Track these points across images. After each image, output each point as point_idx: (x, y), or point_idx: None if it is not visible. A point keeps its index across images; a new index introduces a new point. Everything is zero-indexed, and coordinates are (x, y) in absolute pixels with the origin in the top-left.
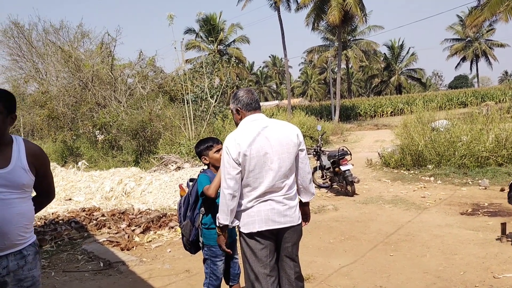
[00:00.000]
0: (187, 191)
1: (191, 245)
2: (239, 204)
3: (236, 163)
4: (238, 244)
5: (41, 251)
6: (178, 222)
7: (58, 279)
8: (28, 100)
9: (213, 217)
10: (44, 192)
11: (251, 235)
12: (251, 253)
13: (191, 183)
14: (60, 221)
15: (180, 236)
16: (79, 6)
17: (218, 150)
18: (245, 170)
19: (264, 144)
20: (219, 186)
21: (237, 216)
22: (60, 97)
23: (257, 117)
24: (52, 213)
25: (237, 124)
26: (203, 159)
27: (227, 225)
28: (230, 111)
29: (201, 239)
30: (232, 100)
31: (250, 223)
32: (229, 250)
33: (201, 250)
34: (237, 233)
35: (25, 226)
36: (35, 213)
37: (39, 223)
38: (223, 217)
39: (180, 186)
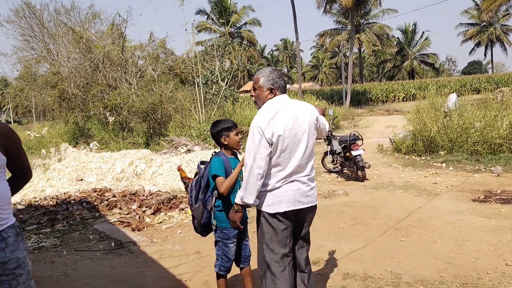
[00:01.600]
0: (199, 173)
1: (203, 228)
2: (265, 184)
3: (269, 143)
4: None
5: (54, 230)
6: (189, 204)
7: (70, 258)
8: (40, 81)
9: (226, 199)
10: (19, 171)
11: (275, 216)
12: (273, 233)
13: (202, 166)
14: (72, 201)
15: (191, 218)
16: None
17: (237, 133)
18: (277, 150)
19: (294, 124)
20: (234, 185)
21: (260, 196)
22: (71, 78)
23: (284, 97)
24: (64, 193)
25: (259, 101)
26: (223, 139)
27: (247, 204)
28: (253, 85)
29: (214, 221)
30: (269, 77)
31: (276, 203)
32: (242, 227)
33: (212, 232)
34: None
35: (0, 207)
36: (12, 194)
37: (51, 202)
38: (249, 197)
39: (179, 168)
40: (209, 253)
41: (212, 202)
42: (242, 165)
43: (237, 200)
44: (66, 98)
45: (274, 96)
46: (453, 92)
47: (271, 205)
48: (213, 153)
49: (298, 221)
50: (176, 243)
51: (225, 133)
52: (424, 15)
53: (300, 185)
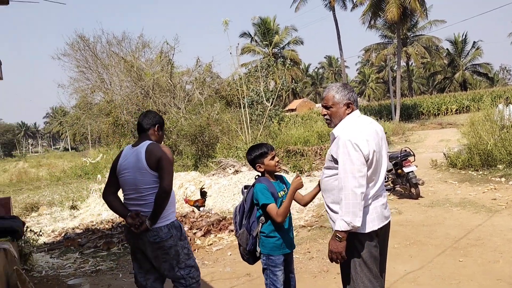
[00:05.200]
0: (242, 198)
1: (249, 255)
2: None
3: (366, 160)
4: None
5: (110, 253)
6: (234, 230)
7: (126, 281)
8: (95, 109)
9: (273, 225)
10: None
11: (370, 235)
12: (368, 254)
13: (245, 190)
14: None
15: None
16: (138, 16)
17: (273, 157)
18: (372, 166)
19: (378, 139)
20: (288, 210)
21: None
22: (124, 105)
23: (359, 112)
24: (119, 217)
25: (336, 118)
26: (258, 167)
27: (355, 228)
28: (326, 103)
29: (258, 248)
30: (344, 92)
31: (369, 221)
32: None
33: (259, 260)
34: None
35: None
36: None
37: (107, 226)
38: (357, 220)
39: (186, 200)
40: (259, 276)
41: (258, 228)
42: (296, 188)
43: (342, 226)
44: (119, 125)
45: (352, 110)
46: (500, 103)
47: (365, 224)
48: (256, 177)
49: (380, 238)
50: (227, 265)
51: (258, 161)
52: (474, 24)
53: (382, 199)
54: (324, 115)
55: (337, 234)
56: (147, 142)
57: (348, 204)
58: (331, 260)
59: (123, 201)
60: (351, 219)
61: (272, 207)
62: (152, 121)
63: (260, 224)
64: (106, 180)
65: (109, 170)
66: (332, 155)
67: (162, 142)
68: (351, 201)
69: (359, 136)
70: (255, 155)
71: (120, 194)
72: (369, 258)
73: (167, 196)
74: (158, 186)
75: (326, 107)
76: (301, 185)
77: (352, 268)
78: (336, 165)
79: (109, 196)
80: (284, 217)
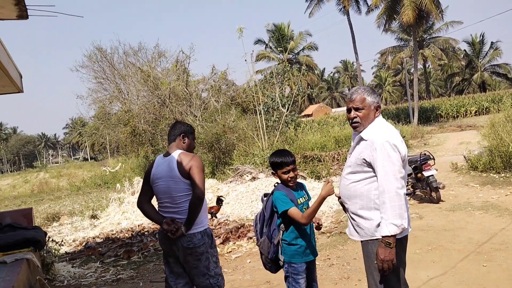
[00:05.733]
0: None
1: (271, 263)
2: None
3: (402, 161)
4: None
5: (130, 262)
6: (256, 239)
7: None
8: (113, 119)
9: (296, 230)
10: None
11: (401, 241)
12: (400, 261)
13: (265, 198)
14: (145, 233)
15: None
16: (153, 24)
17: (288, 171)
18: (405, 168)
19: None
20: (315, 214)
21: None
22: (141, 115)
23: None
24: (138, 225)
25: (366, 121)
26: (273, 174)
27: (404, 230)
28: (356, 105)
29: (281, 256)
30: (374, 95)
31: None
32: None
33: (282, 268)
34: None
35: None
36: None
37: (126, 235)
38: (405, 221)
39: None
40: (279, 283)
41: (279, 236)
42: (327, 194)
43: (392, 231)
44: (137, 134)
45: (379, 114)
46: None
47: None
48: (275, 185)
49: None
50: (246, 273)
51: (274, 168)
52: (492, 24)
53: (407, 204)
54: (354, 117)
55: (386, 240)
56: (178, 152)
57: (394, 207)
58: (382, 270)
59: (157, 209)
60: (401, 221)
61: (293, 210)
62: (177, 131)
63: (281, 232)
64: (140, 189)
65: (128, 179)
66: (364, 159)
67: (194, 150)
68: (396, 203)
69: (396, 137)
70: (272, 162)
71: (154, 202)
72: (399, 265)
73: (200, 202)
74: (191, 194)
75: (357, 109)
76: (332, 191)
77: (382, 276)
78: (368, 169)
79: (143, 204)
80: (309, 220)
